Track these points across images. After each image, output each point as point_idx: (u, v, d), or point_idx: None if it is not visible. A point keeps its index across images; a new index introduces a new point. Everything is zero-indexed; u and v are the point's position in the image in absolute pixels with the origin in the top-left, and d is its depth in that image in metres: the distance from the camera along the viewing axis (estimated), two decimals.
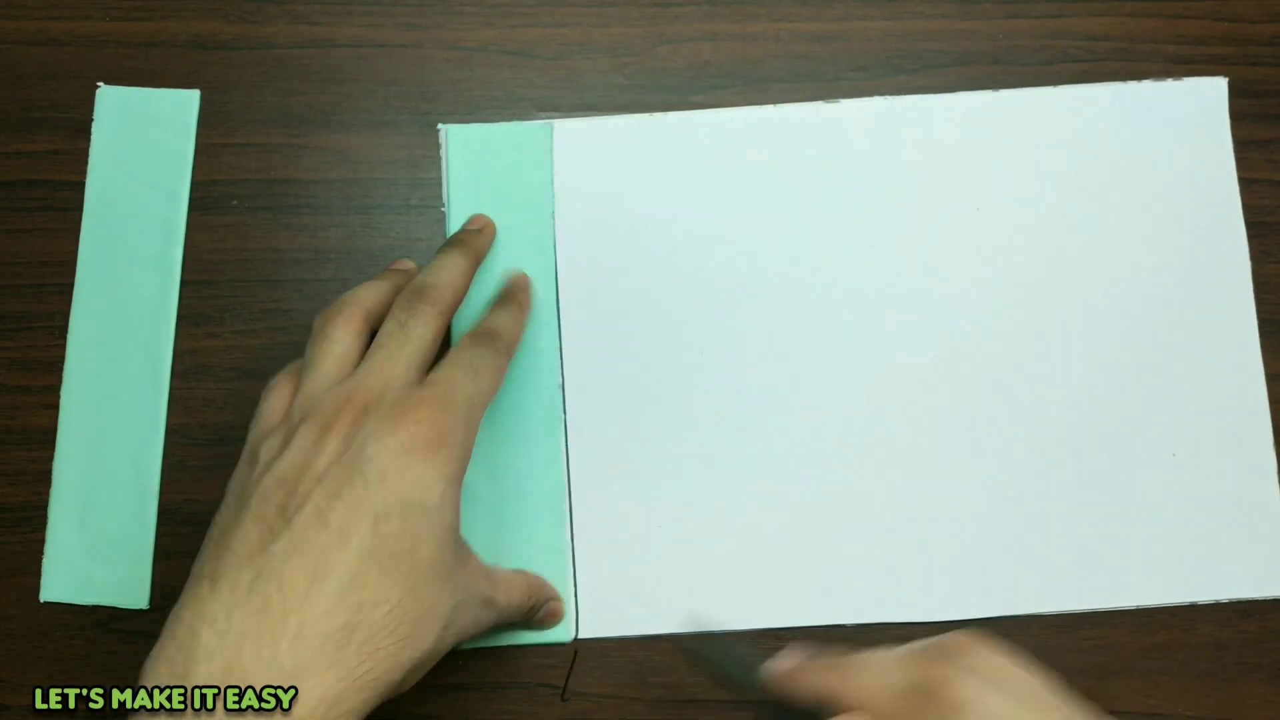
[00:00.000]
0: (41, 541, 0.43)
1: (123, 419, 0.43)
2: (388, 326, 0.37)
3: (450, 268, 0.40)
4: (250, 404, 0.43)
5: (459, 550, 0.35)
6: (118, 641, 0.42)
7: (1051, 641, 0.42)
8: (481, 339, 0.38)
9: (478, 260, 0.42)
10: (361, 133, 0.45)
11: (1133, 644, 0.42)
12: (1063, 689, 0.31)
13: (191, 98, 0.45)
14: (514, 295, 0.42)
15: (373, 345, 0.37)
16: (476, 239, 0.43)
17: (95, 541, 0.43)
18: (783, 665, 0.33)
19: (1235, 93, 0.46)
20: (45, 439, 0.43)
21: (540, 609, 0.41)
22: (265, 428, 0.37)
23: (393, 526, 0.33)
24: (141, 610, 0.42)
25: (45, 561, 0.43)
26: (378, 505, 0.33)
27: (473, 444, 0.36)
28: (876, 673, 0.31)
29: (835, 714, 0.31)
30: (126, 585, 0.42)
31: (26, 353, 0.44)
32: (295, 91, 0.46)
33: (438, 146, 0.45)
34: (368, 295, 0.39)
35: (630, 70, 0.46)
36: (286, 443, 0.35)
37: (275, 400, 0.37)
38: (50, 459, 0.43)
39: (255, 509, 0.33)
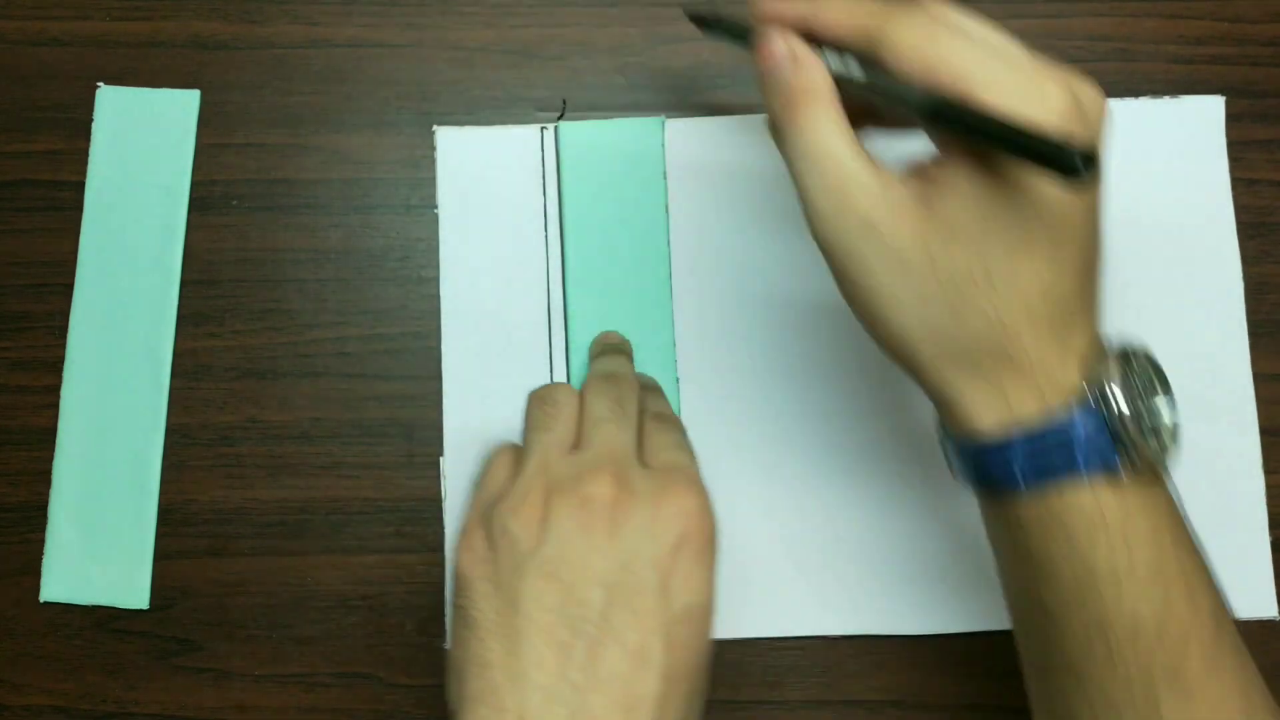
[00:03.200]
0: (42, 541, 0.43)
1: (123, 419, 0.43)
2: (603, 404, 0.37)
3: (625, 365, 0.41)
4: (250, 403, 0.44)
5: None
6: (118, 641, 0.42)
7: None
8: (671, 422, 0.38)
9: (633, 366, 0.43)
10: (361, 133, 0.45)
11: None
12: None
13: (191, 98, 0.45)
14: (658, 387, 0.43)
15: (592, 420, 0.36)
16: (625, 347, 0.43)
17: (95, 541, 0.43)
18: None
19: (1234, 92, 0.46)
20: (45, 439, 0.43)
21: None
22: (496, 488, 0.35)
23: (680, 635, 0.32)
24: (141, 610, 0.42)
25: (45, 561, 0.43)
26: (666, 617, 0.32)
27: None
28: None
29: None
30: (126, 585, 0.42)
31: (26, 353, 0.44)
32: (295, 91, 0.46)
33: (435, 147, 0.45)
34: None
35: (630, 70, 0.46)
36: (544, 521, 0.33)
37: (501, 467, 0.37)
38: (50, 459, 0.43)
39: (538, 620, 0.31)
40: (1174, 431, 0.31)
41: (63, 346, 0.44)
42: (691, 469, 0.36)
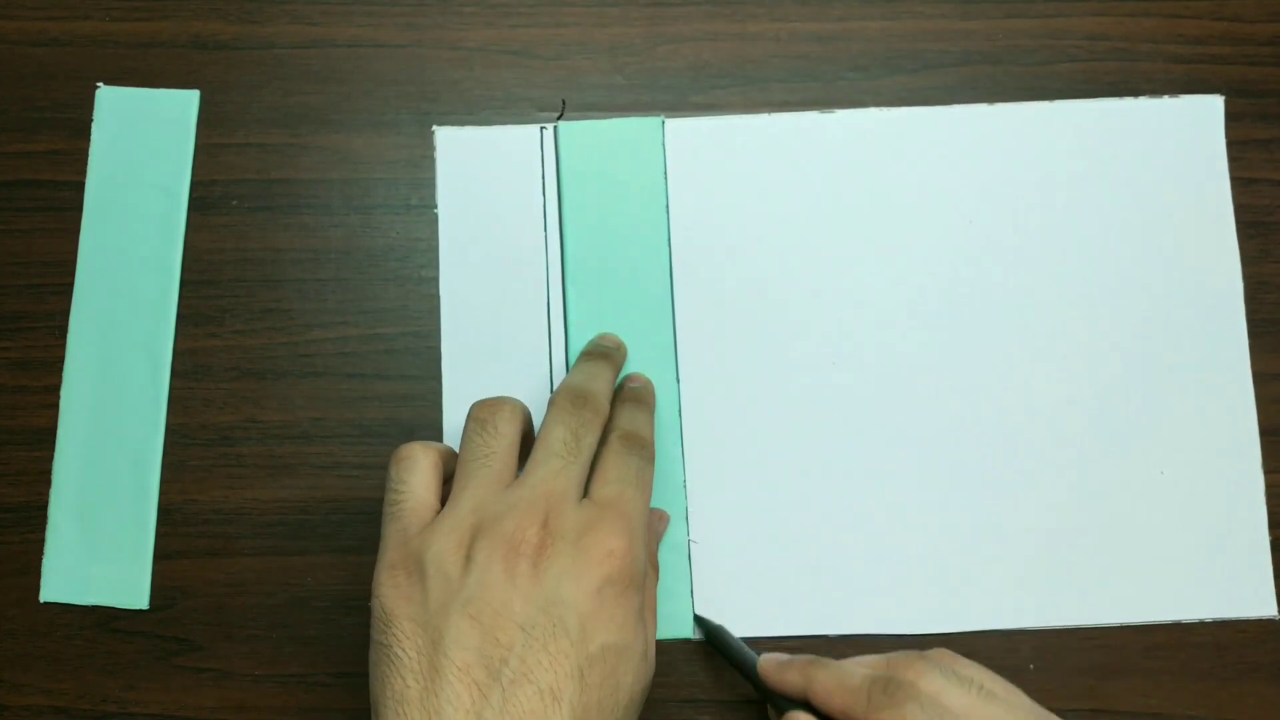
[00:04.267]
0: (42, 541, 0.43)
1: (122, 419, 0.43)
2: (559, 435, 0.36)
3: (603, 379, 0.40)
4: (250, 403, 0.44)
5: (650, 654, 0.36)
6: (118, 641, 0.42)
7: (1052, 642, 0.42)
8: (634, 446, 0.37)
9: (617, 376, 0.42)
10: (361, 133, 0.45)
11: (1133, 644, 0.42)
12: (1028, 701, 0.35)
13: (191, 98, 0.45)
14: (644, 398, 0.41)
15: (543, 451, 0.36)
16: (617, 354, 0.42)
17: (95, 541, 0.43)
18: (768, 662, 0.39)
19: (1234, 92, 0.46)
20: (45, 439, 0.43)
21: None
22: (420, 514, 0.35)
23: (596, 675, 0.32)
24: (141, 610, 0.42)
25: (45, 561, 0.43)
26: (581, 658, 0.32)
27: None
28: (843, 672, 0.36)
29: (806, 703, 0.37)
30: (126, 585, 0.42)
31: (26, 353, 0.44)
32: (295, 91, 0.46)
33: (437, 146, 0.45)
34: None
35: (630, 70, 0.46)
36: (468, 562, 0.33)
37: (420, 479, 0.36)
38: (50, 459, 0.43)
39: (456, 659, 0.31)
40: None
41: (63, 346, 0.44)
42: (630, 503, 0.35)
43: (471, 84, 0.46)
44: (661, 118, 0.45)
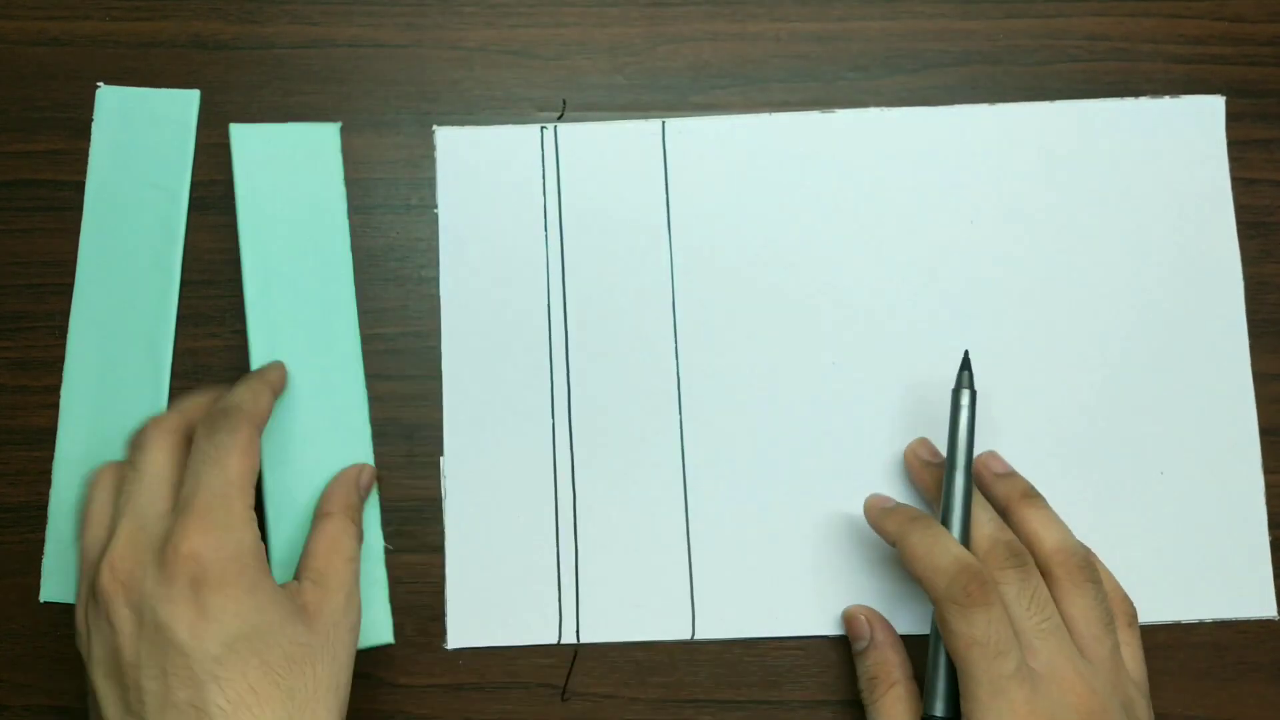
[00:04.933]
0: (42, 541, 0.43)
1: (123, 419, 0.43)
2: (93, 503, 0.38)
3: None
4: None
5: (292, 601, 0.36)
6: None
7: None
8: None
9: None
10: (361, 133, 0.45)
11: None
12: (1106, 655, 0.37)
13: (191, 97, 0.45)
14: (261, 372, 0.41)
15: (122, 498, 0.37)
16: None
17: None
18: (874, 500, 0.42)
19: (1234, 92, 0.46)
20: (45, 439, 0.43)
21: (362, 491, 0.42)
22: (94, 551, 0.37)
23: (231, 671, 0.33)
24: None
25: (45, 562, 0.43)
26: (202, 664, 0.33)
27: (250, 506, 0.36)
28: (936, 546, 0.37)
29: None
30: None
31: (27, 353, 0.44)
32: (295, 91, 0.46)
33: (437, 146, 0.45)
34: (186, 411, 0.39)
35: (630, 70, 0.46)
36: (94, 620, 0.35)
37: (96, 511, 0.38)
38: (50, 459, 0.43)
39: (114, 712, 0.34)
40: None
41: (63, 346, 0.44)
42: (202, 490, 0.35)
43: (471, 84, 0.46)
44: (662, 118, 0.45)
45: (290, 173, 0.44)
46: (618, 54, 0.46)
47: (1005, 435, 0.43)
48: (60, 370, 0.44)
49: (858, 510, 0.43)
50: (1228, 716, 0.42)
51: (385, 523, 0.43)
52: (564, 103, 0.46)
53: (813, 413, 0.44)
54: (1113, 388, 0.44)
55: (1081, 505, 0.43)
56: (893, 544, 0.39)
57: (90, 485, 0.39)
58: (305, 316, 0.43)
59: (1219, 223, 0.45)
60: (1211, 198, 0.45)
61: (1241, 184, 0.45)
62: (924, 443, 0.43)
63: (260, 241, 0.44)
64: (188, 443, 0.38)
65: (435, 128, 0.45)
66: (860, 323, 0.44)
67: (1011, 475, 0.41)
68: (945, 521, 0.38)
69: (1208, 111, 0.46)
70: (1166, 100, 0.46)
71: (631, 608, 0.42)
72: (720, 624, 0.42)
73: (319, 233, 0.44)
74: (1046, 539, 0.38)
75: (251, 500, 0.36)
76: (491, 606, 0.43)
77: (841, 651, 0.42)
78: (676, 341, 0.44)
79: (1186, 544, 0.43)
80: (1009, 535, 0.38)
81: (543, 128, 0.45)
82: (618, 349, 0.44)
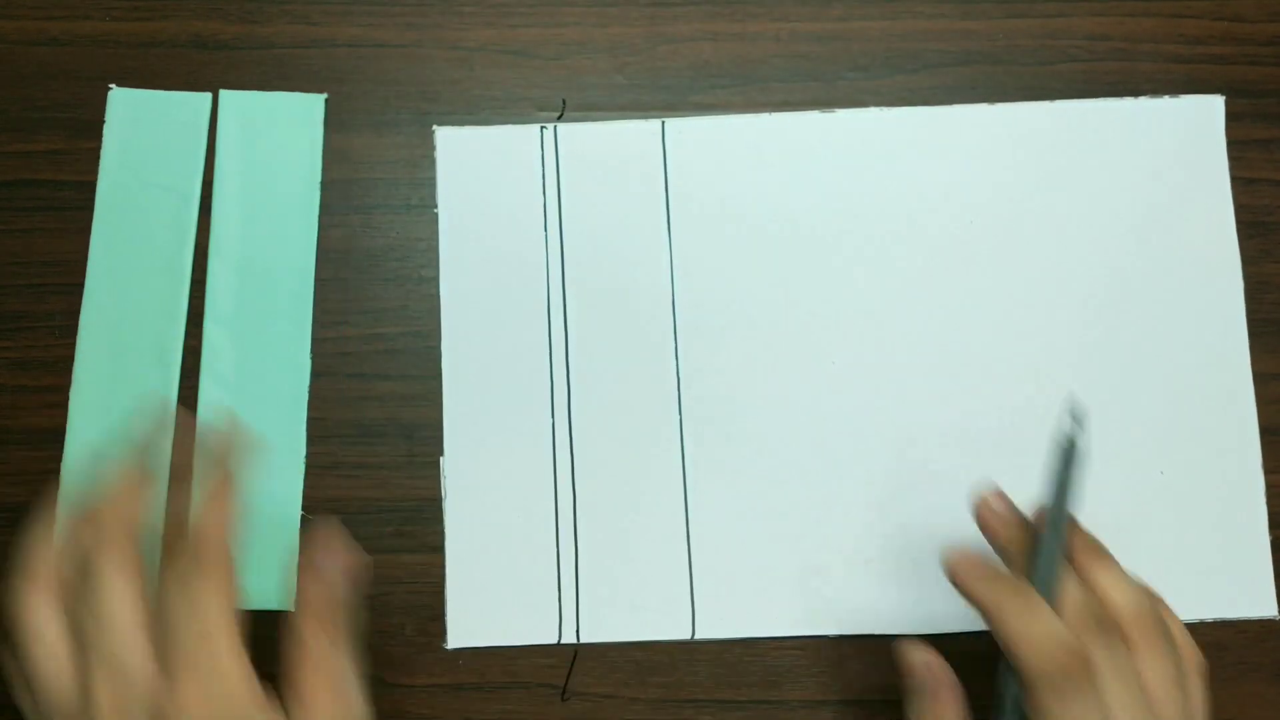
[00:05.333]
0: None
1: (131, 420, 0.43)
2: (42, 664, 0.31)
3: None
4: None
5: None
6: None
7: None
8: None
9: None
10: (361, 133, 0.45)
11: None
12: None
13: (203, 100, 0.45)
14: (223, 490, 0.34)
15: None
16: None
17: None
18: (955, 556, 0.36)
19: (1234, 92, 0.46)
20: (45, 439, 0.43)
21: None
22: (64, 711, 0.31)
23: None
24: None
25: None
26: None
27: (238, 643, 0.32)
28: (1035, 622, 0.34)
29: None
30: None
31: (27, 353, 0.44)
32: (295, 91, 0.46)
33: (436, 147, 0.45)
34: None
35: (630, 70, 0.46)
36: None
37: (49, 657, 0.31)
38: (51, 459, 0.43)
39: None
40: None
41: (64, 346, 0.44)
42: (191, 657, 0.31)
43: (471, 84, 0.46)
44: (662, 119, 0.45)
45: (272, 138, 0.45)
46: (618, 54, 0.46)
47: (1004, 434, 0.43)
48: (60, 370, 0.44)
49: (858, 509, 0.43)
50: (1228, 716, 0.42)
51: (385, 523, 0.43)
52: (564, 103, 0.46)
53: (813, 412, 0.44)
54: (1112, 386, 0.44)
55: (1081, 504, 0.43)
56: (980, 609, 0.36)
57: (22, 612, 0.32)
58: (263, 280, 0.44)
59: (1219, 222, 0.45)
60: (1212, 197, 0.45)
61: (1241, 184, 0.45)
62: (999, 496, 0.38)
63: (232, 201, 0.44)
64: (141, 559, 0.33)
65: (435, 127, 0.45)
66: (860, 322, 0.44)
67: (1073, 525, 0.38)
68: (1036, 586, 0.35)
69: (1207, 111, 0.46)
70: (1166, 100, 0.46)
71: (631, 608, 0.42)
72: (720, 624, 0.42)
73: (291, 197, 0.45)
74: (1119, 599, 0.36)
75: (238, 637, 0.33)
76: (491, 606, 0.43)
77: (842, 651, 0.42)
78: (676, 341, 0.44)
79: (1186, 543, 0.43)
80: (1096, 604, 0.36)
81: (542, 128, 0.45)
82: (618, 348, 0.44)
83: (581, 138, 0.45)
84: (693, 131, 0.45)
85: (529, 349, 0.44)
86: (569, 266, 0.44)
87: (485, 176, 0.45)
